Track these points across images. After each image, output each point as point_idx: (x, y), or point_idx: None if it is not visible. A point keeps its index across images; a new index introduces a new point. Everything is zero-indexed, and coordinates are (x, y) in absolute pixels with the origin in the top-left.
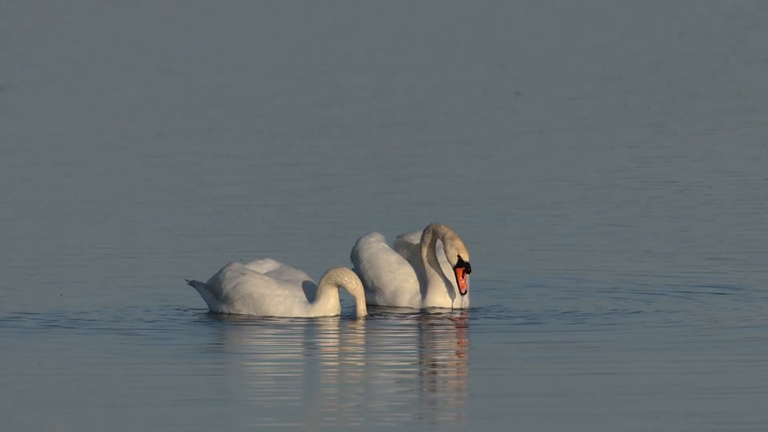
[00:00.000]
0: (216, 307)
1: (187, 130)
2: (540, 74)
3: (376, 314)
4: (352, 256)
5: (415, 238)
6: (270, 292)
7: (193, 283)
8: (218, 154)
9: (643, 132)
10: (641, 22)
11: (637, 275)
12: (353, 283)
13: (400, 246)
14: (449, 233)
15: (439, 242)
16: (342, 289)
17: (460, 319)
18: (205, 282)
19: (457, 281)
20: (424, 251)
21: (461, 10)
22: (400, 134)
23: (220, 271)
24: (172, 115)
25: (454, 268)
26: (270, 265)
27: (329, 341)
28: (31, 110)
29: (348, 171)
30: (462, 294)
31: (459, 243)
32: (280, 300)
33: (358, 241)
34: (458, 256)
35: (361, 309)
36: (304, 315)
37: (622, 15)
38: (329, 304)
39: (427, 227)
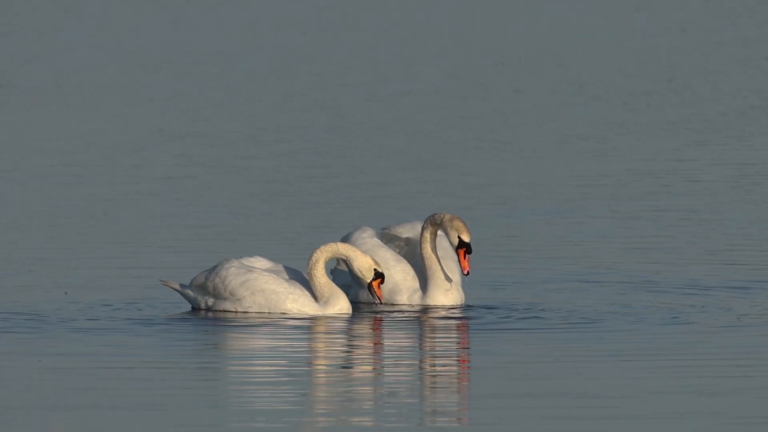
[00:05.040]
0: (213, 304)
1: (180, 127)
2: (541, 72)
3: (378, 312)
4: None
5: (403, 231)
6: (283, 290)
7: (182, 287)
8: (209, 151)
9: (659, 132)
10: (643, 18)
11: (649, 273)
12: (344, 247)
13: (385, 238)
14: (448, 216)
15: (439, 235)
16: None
17: (465, 318)
18: (189, 280)
19: (460, 262)
20: (426, 246)
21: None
22: (395, 130)
23: (219, 268)
24: (168, 111)
25: (456, 249)
26: (263, 263)
27: (335, 340)
28: (30, 107)
29: (333, 165)
30: (465, 275)
31: (458, 223)
32: (294, 297)
33: (349, 237)
34: (459, 237)
35: (368, 260)
36: (319, 313)
37: (624, 13)
38: (341, 302)
39: (426, 220)
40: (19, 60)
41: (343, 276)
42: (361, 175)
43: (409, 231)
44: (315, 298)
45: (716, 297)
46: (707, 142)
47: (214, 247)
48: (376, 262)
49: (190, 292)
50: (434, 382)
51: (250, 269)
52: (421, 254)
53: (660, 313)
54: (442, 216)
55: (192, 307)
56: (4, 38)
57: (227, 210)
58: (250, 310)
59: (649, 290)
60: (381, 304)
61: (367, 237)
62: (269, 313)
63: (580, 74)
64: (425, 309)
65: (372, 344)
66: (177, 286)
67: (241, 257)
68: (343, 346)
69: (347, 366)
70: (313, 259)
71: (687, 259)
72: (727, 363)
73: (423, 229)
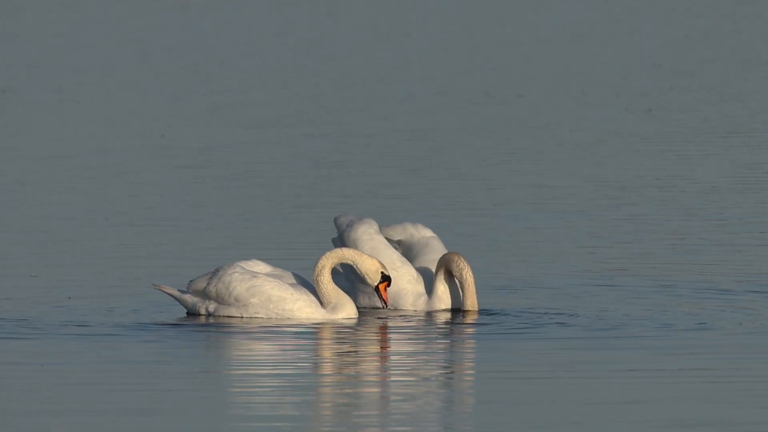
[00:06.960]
0: (215, 310)
1: (181, 131)
2: (543, 76)
3: (384, 317)
4: (346, 242)
5: (395, 233)
6: (289, 296)
7: (180, 292)
8: (208, 154)
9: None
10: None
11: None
12: (350, 253)
13: None
14: (470, 302)
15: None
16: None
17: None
18: (183, 284)
19: None
20: (441, 274)
21: (470, 11)
22: (389, 133)
23: (222, 273)
24: (169, 116)
25: None
26: (262, 266)
27: (343, 346)
28: (33, 112)
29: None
30: None
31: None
32: (301, 304)
33: (355, 228)
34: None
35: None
36: (326, 319)
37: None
38: (348, 308)
39: (453, 255)
40: (20, 65)
41: (340, 280)
42: (360, 176)
43: (400, 233)
44: (321, 303)
45: (737, 301)
46: (712, 145)
47: (209, 250)
48: (383, 265)
49: (188, 298)
50: (440, 388)
51: (255, 275)
52: (436, 273)
53: (678, 318)
54: (464, 297)
55: (188, 313)
56: (5, 43)
57: (223, 213)
58: (256, 316)
59: (663, 294)
60: (386, 307)
61: (374, 232)
62: (276, 318)
63: (582, 79)
64: (430, 314)
65: (379, 350)
66: (174, 292)
67: (238, 261)
68: (350, 352)
69: (354, 372)
70: (319, 266)
71: (703, 262)
72: (744, 368)
73: (448, 260)
